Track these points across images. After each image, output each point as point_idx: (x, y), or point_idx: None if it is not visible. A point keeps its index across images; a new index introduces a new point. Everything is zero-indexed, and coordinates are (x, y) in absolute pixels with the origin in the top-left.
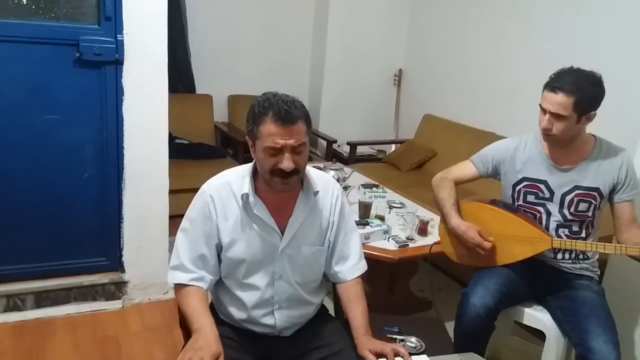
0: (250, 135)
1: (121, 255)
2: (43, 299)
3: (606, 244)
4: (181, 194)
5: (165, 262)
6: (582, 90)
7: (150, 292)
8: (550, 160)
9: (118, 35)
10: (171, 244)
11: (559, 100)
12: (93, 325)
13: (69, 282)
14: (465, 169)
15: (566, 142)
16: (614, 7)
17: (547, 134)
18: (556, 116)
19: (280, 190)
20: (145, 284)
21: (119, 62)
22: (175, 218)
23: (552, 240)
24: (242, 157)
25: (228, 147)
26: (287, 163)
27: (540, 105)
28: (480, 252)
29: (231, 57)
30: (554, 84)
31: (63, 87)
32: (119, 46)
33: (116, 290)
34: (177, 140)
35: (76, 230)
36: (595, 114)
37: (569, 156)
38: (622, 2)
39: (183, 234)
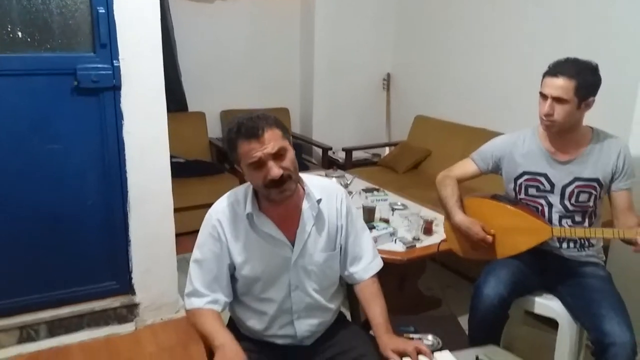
0: (235, 163)
1: (131, 278)
2: (56, 328)
3: (604, 228)
4: (184, 212)
5: (174, 281)
6: (582, 74)
7: (162, 312)
8: (549, 154)
9: (114, 61)
10: (179, 262)
11: (561, 84)
12: (108, 350)
13: (81, 308)
14: (467, 166)
15: (565, 133)
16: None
17: (548, 119)
18: (558, 100)
19: (281, 199)
20: (157, 304)
21: (116, 88)
22: (179, 237)
23: (552, 229)
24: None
25: (225, 162)
26: (273, 171)
27: (540, 93)
28: (484, 245)
29: (221, 73)
30: (554, 70)
31: (63, 116)
32: (116, 72)
33: (128, 313)
34: (173, 160)
35: (85, 256)
36: (593, 101)
37: (567, 148)
38: None
39: (195, 263)
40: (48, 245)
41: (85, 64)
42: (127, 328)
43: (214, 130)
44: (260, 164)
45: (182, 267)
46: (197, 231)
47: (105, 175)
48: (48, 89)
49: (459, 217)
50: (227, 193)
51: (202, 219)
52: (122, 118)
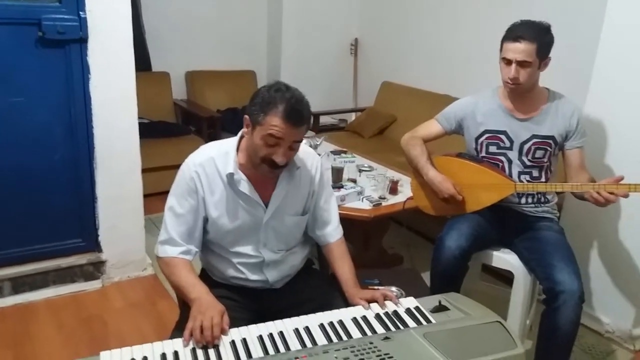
0: (251, 118)
1: (97, 235)
2: (20, 285)
3: (564, 183)
4: (148, 173)
5: (141, 240)
6: (540, 36)
7: (129, 269)
8: (508, 111)
9: (81, 13)
10: (146, 221)
11: (523, 48)
12: (75, 306)
13: (46, 265)
14: (431, 127)
15: (525, 92)
16: None
17: (515, 83)
18: (522, 64)
19: (263, 176)
20: (123, 262)
21: (83, 40)
22: (146, 197)
23: (515, 185)
24: (206, 133)
25: (189, 124)
26: (281, 158)
27: (503, 58)
28: (454, 201)
29: (186, 32)
30: (515, 35)
31: (27, 68)
32: (83, 24)
33: (94, 270)
34: (138, 120)
35: (50, 212)
36: (550, 59)
37: (525, 107)
38: None
39: (170, 211)
40: (11, 200)
41: (51, 14)
42: (93, 285)
43: (179, 91)
44: (275, 144)
45: (147, 227)
46: (163, 192)
47: (72, 130)
48: (11, 39)
49: (432, 173)
50: (207, 145)
51: (167, 180)
52: (88, 72)
